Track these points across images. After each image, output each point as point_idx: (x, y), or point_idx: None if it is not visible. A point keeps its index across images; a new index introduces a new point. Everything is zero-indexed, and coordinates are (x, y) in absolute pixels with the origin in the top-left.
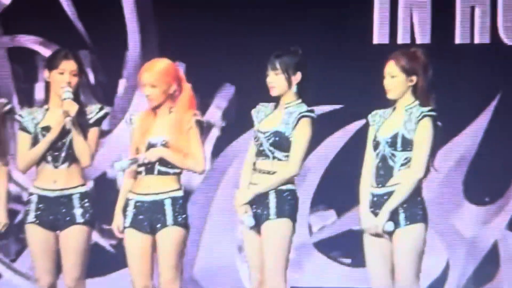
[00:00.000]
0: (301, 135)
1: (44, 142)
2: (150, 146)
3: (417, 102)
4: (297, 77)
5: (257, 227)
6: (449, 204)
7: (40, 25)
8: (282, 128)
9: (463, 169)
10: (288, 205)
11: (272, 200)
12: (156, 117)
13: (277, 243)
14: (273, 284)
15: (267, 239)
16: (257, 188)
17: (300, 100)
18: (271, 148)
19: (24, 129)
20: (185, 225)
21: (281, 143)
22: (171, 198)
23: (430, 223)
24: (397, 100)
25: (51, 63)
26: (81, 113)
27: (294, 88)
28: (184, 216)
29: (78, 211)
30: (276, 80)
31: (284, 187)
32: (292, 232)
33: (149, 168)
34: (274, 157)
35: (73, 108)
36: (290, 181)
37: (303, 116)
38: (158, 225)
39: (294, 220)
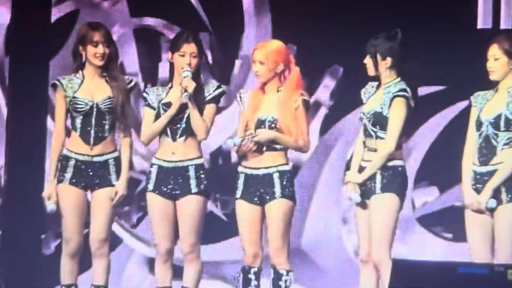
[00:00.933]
0: (395, 114)
1: (165, 117)
2: (259, 122)
3: None
4: (387, 62)
5: (365, 201)
6: None
7: (164, 9)
8: (380, 108)
9: None
10: (394, 181)
11: (378, 175)
12: (265, 95)
13: (383, 217)
14: (377, 257)
15: (374, 213)
16: (366, 172)
17: (399, 79)
18: (373, 128)
19: (149, 105)
20: (292, 197)
21: (381, 122)
22: (279, 172)
23: None
24: (499, 82)
25: (174, 46)
26: (199, 90)
27: (390, 70)
28: (291, 189)
29: (193, 182)
30: (368, 63)
31: (390, 164)
32: (398, 207)
33: (258, 145)
34: (377, 136)
35: (191, 85)
36: (398, 157)
37: (396, 96)
38: (267, 197)
39: (401, 195)
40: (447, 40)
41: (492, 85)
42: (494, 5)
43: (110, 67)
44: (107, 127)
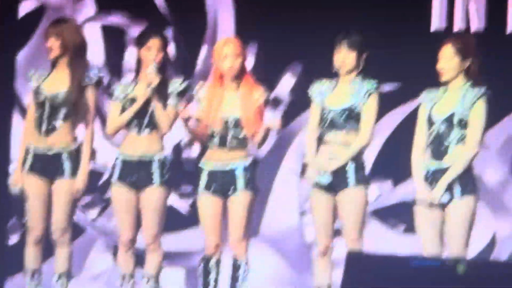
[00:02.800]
0: (371, 110)
1: (130, 111)
2: (224, 122)
3: (469, 83)
4: (363, 56)
5: (331, 194)
6: (499, 179)
7: (130, 5)
8: (350, 103)
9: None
10: (363, 173)
11: (351, 170)
12: (225, 91)
13: (356, 208)
14: (355, 245)
15: (346, 206)
16: (336, 162)
17: (361, 76)
18: (344, 123)
19: (115, 99)
20: (254, 190)
21: (353, 117)
22: (241, 166)
23: (480, 196)
24: (450, 81)
25: (140, 41)
26: (164, 85)
27: (359, 66)
28: (253, 182)
29: (156, 174)
30: (347, 58)
31: (360, 156)
32: (368, 199)
33: (222, 142)
34: (347, 130)
35: (155, 79)
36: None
37: (371, 93)
38: (230, 190)
39: (368, 186)
40: (402, 40)
41: (442, 84)
42: (449, 7)
43: (72, 60)
44: (60, 118)
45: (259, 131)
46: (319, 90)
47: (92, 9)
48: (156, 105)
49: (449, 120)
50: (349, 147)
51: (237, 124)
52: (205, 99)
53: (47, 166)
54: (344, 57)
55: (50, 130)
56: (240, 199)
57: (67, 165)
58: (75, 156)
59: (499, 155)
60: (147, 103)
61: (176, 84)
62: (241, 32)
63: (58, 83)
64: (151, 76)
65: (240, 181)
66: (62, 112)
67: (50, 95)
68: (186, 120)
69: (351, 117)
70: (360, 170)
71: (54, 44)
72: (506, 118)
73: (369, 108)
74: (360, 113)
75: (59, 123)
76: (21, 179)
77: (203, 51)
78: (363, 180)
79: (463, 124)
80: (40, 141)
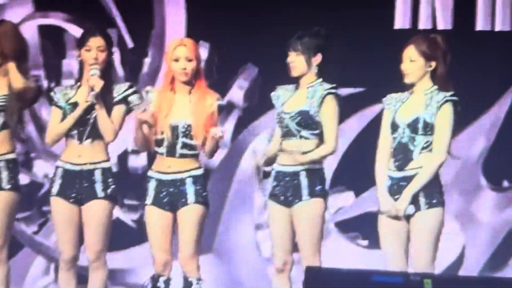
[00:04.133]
0: (329, 112)
1: (71, 117)
2: (173, 128)
3: (435, 87)
4: (317, 58)
5: (285, 208)
6: (467, 189)
7: (70, 3)
8: (306, 107)
9: (482, 154)
10: (320, 184)
11: (304, 180)
12: (175, 96)
13: (311, 222)
14: (311, 262)
15: (301, 219)
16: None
17: (321, 80)
18: (298, 128)
19: (55, 104)
20: (205, 203)
21: (307, 121)
22: (192, 176)
23: (447, 207)
24: (414, 84)
25: (80, 41)
26: (108, 90)
27: (314, 68)
28: (204, 194)
29: (99, 186)
30: (296, 60)
31: (315, 167)
32: (325, 210)
33: (171, 150)
34: (301, 136)
35: (98, 83)
36: (320, 160)
37: (328, 93)
38: (180, 203)
39: (326, 198)
40: (364, 40)
41: (407, 88)
42: (413, 5)
43: (7, 63)
44: None
45: (208, 140)
46: (277, 97)
47: (29, 8)
48: (99, 112)
49: (413, 125)
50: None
51: (188, 131)
52: (155, 104)
53: None
54: (292, 60)
55: None
56: (190, 212)
57: (4, 176)
58: (13, 166)
59: (468, 162)
60: (89, 109)
61: (122, 89)
62: (192, 32)
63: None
64: (93, 79)
65: (190, 194)
66: (0, 118)
67: None
68: (141, 123)
69: (305, 121)
70: (315, 181)
71: None
72: (475, 123)
73: (327, 111)
74: (315, 118)
75: None
76: None
77: (150, 53)
78: (319, 192)
79: (428, 129)
80: None
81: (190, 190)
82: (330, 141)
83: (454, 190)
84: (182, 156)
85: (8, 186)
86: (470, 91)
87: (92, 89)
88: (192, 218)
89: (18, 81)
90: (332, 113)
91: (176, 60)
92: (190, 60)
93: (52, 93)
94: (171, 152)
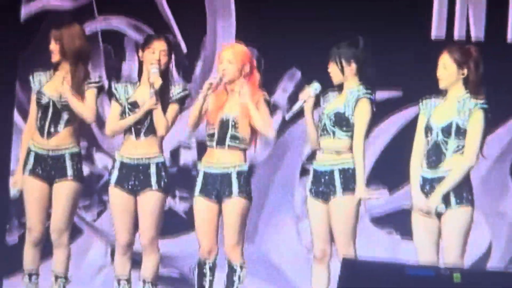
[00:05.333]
0: (361, 115)
1: (132, 117)
2: (222, 122)
3: (467, 94)
4: (351, 67)
5: (322, 202)
6: (496, 188)
7: (130, 9)
8: (342, 109)
9: (510, 155)
10: (353, 182)
11: (337, 177)
12: (228, 96)
13: (345, 216)
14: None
15: (335, 214)
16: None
17: (359, 84)
18: (332, 127)
19: (116, 99)
20: (248, 197)
21: (341, 122)
22: (237, 171)
23: (476, 205)
24: (448, 90)
25: (145, 43)
26: (166, 89)
27: (352, 75)
28: (248, 188)
29: (154, 178)
30: (332, 70)
31: (348, 165)
32: (359, 206)
33: (220, 142)
34: (335, 136)
35: (158, 81)
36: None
37: (361, 97)
38: (225, 195)
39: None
40: (403, 47)
41: (442, 93)
42: (449, 15)
43: (73, 65)
44: (61, 122)
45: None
46: (323, 99)
47: (92, 13)
48: (155, 108)
49: (447, 129)
50: (339, 157)
51: (236, 123)
52: (210, 102)
53: (48, 167)
54: (330, 70)
55: (53, 133)
56: (234, 204)
57: (69, 167)
58: (77, 158)
59: (497, 163)
60: (148, 111)
61: (177, 91)
62: (240, 38)
63: (60, 87)
64: (154, 76)
65: (235, 187)
66: (65, 116)
67: (52, 99)
68: (206, 92)
69: (339, 122)
70: (349, 179)
71: (55, 48)
72: (504, 126)
73: (359, 113)
74: (349, 120)
75: (61, 126)
76: (21, 180)
77: (202, 57)
78: (352, 188)
79: (461, 133)
80: (42, 143)
81: (235, 184)
82: (357, 142)
83: (482, 189)
84: (230, 147)
85: (72, 177)
86: (501, 96)
87: (152, 85)
88: (236, 210)
89: (74, 103)
90: (362, 115)
91: (221, 62)
92: (231, 63)
93: (113, 89)
94: (220, 144)
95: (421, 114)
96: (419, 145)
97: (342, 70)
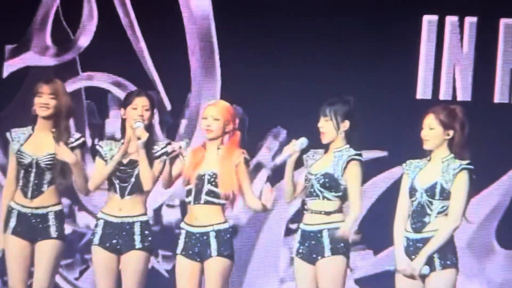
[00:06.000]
0: (354, 177)
1: (113, 161)
2: (199, 177)
3: (452, 155)
4: (345, 124)
5: (309, 264)
6: (480, 250)
7: (114, 66)
8: (331, 170)
9: (496, 218)
10: (342, 242)
11: (326, 237)
12: (206, 152)
13: (333, 278)
14: None
15: (323, 275)
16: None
17: (348, 146)
18: (321, 189)
19: (101, 156)
20: (229, 256)
21: (330, 183)
22: (215, 231)
23: (461, 268)
24: (432, 152)
25: (126, 100)
26: (150, 144)
27: (342, 134)
28: (229, 247)
29: (138, 238)
30: (326, 126)
31: (338, 225)
32: (347, 267)
33: (197, 197)
34: (324, 197)
35: (144, 134)
36: (343, 219)
37: (352, 159)
38: (205, 255)
39: (348, 256)
40: (388, 108)
41: (426, 154)
42: (434, 76)
43: (58, 122)
44: (45, 182)
45: (235, 194)
46: (308, 156)
47: (76, 70)
48: (142, 160)
49: (431, 190)
50: (329, 217)
51: (213, 178)
52: (187, 158)
53: (31, 227)
54: (322, 125)
55: (38, 192)
56: (214, 264)
57: (52, 226)
58: (60, 217)
59: (482, 226)
60: (131, 164)
61: (161, 146)
62: (225, 96)
63: (43, 145)
64: (139, 130)
65: (213, 246)
66: (48, 175)
67: (35, 158)
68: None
69: (328, 183)
70: (338, 239)
71: (49, 102)
72: (489, 187)
73: (351, 176)
74: (338, 181)
75: (45, 186)
76: (2, 240)
77: (186, 114)
78: (341, 249)
79: (445, 194)
80: (25, 202)
81: (213, 243)
82: (356, 204)
83: (467, 252)
84: (207, 202)
85: (55, 235)
86: (486, 158)
87: (139, 139)
88: (216, 271)
89: (68, 156)
90: (355, 178)
91: (205, 118)
92: (216, 119)
93: (98, 147)
94: (197, 199)
95: (405, 175)
96: (403, 207)
97: (337, 127)
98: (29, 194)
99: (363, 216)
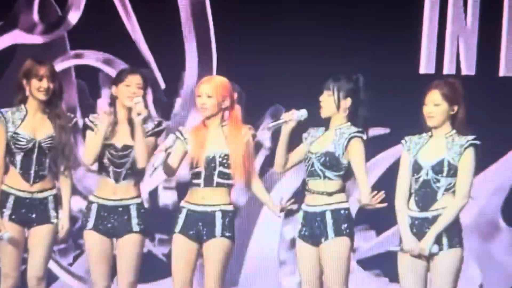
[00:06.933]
0: (357, 154)
1: (99, 133)
2: (208, 160)
3: (454, 131)
4: (347, 102)
5: (313, 246)
6: (486, 229)
7: (105, 42)
8: (332, 148)
9: (502, 195)
10: (345, 223)
11: (329, 218)
12: (208, 131)
13: (337, 260)
14: None
15: (327, 257)
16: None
17: (349, 124)
18: (322, 168)
19: (92, 130)
20: (231, 238)
21: (332, 162)
22: (222, 211)
23: (466, 247)
24: (435, 128)
25: (118, 78)
26: (144, 123)
27: (344, 111)
28: (231, 229)
29: (134, 220)
30: (326, 100)
31: (340, 206)
32: (351, 249)
33: (208, 181)
34: (325, 177)
35: (143, 110)
36: (346, 199)
37: (354, 137)
38: (206, 235)
39: (351, 237)
40: (390, 83)
41: (425, 130)
42: (438, 49)
43: (54, 104)
44: (47, 165)
45: (251, 173)
46: (308, 134)
47: (65, 48)
48: (139, 136)
49: (438, 167)
50: (331, 198)
51: (225, 160)
52: (190, 140)
53: (29, 212)
54: (323, 99)
55: (39, 176)
56: (216, 245)
57: (52, 210)
58: (57, 201)
59: (487, 205)
60: (125, 149)
61: (152, 124)
62: (221, 74)
63: (41, 128)
64: (139, 106)
65: (218, 227)
66: (49, 157)
67: (37, 140)
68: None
69: (329, 162)
70: (341, 220)
71: (50, 85)
72: (494, 165)
73: (355, 153)
74: (340, 160)
75: (47, 170)
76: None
77: (182, 93)
78: (344, 230)
79: (452, 172)
80: (25, 186)
81: (218, 224)
82: (362, 185)
83: (472, 231)
84: (219, 185)
85: (54, 221)
86: (491, 134)
87: (138, 114)
88: (218, 252)
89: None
90: (358, 155)
91: (199, 96)
92: (210, 97)
93: (89, 122)
94: (208, 182)
95: (405, 152)
96: (404, 184)
97: (338, 103)
98: (31, 179)
99: None
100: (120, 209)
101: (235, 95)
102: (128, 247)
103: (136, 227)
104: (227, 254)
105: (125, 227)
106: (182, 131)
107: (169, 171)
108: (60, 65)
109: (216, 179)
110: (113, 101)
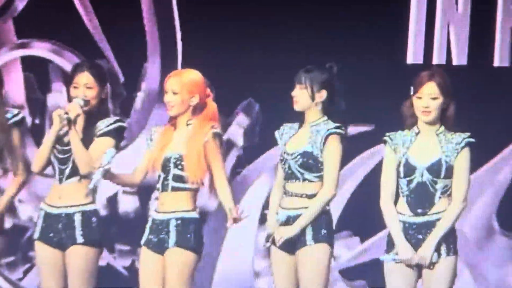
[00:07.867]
0: (331, 154)
1: (47, 138)
2: (165, 160)
3: (443, 127)
4: (322, 94)
5: (288, 254)
6: (481, 234)
7: (55, 31)
8: (309, 148)
9: (498, 197)
10: (325, 229)
11: (308, 225)
12: (175, 131)
13: (315, 268)
14: None
15: (304, 265)
16: (301, 221)
17: (326, 118)
18: (300, 170)
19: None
20: (194, 249)
21: (310, 163)
22: (176, 218)
23: (460, 254)
24: (419, 123)
25: (69, 78)
26: (91, 123)
27: (319, 105)
28: (194, 239)
29: (79, 231)
30: (299, 95)
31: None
32: (330, 257)
33: (164, 184)
34: (304, 179)
35: (75, 109)
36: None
37: (331, 133)
38: (165, 245)
39: (331, 244)
40: (373, 75)
41: (407, 126)
42: (426, 38)
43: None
44: None
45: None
46: (281, 132)
47: (10, 37)
48: (72, 139)
49: (436, 168)
50: (310, 200)
51: (179, 161)
52: (156, 141)
53: None
54: (296, 93)
55: None
56: (173, 256)
57: None
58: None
59: (481, 206)
60: (69, 145)
61: (107, 123)
62: (188, 66)
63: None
64: (72, 105)
65: (173, 236)
66: None
67: None
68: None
69: (308, 163)
70: (320, 225)
71: None
72: (490, 162)
73: (330, 151)
74: (318, 159)
75: None
76: None
77: (143, 87)
78: (323, 236)
79: (449, 173)
80: None
81: (172, 232)
82: (328, 185)
83: (466, 236)
84: (175, 189)
85: None
86: (485, 129)
87: (66, 113)
88: (175, 263)
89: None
90: (332, 154)
91: (166, 92)
92: (175, 93)
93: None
94: (164, 186)
95: (389, 149)
96: (391, 186)
97: (312, 96)
98: None
99: (347, 199)
100: (64, 217)
101: (208, 91)
102: (73, 260)
103: (80, 238)
104: (184, 267)
105: (70, 237)
106: (152, 131)
107: (128, 184)
108: (4, 56)
109: (171, 183)
110: (70, 101)
